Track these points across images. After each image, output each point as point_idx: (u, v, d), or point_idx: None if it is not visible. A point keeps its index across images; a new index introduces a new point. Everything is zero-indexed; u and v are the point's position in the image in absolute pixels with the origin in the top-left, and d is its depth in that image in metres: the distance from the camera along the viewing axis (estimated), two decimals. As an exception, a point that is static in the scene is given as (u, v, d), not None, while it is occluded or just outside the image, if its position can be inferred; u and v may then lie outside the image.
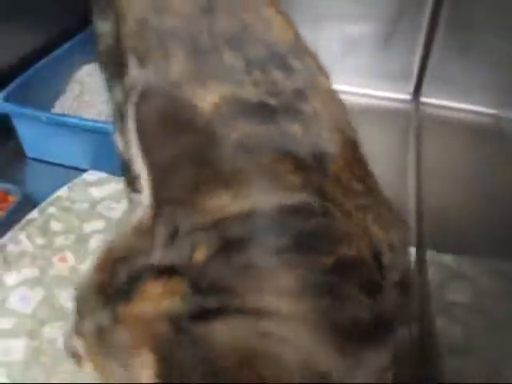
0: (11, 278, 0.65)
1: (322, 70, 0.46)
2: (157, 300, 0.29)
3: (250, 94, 0.39)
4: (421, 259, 0.67)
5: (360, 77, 0.97)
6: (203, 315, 0.28)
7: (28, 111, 0.79)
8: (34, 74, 0.86)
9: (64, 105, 0.91)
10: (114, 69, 0.53)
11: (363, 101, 0.97)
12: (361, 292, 0.30)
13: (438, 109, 0.95)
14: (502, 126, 0.88)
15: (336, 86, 1.05)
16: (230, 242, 0.30)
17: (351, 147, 0.39)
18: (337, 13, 0.94)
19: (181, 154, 0.33)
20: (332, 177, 0.35)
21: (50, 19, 0.95)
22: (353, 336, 0.30)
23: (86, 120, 0.79)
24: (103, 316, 0.31)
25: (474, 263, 0.62)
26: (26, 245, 0.68)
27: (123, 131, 0.51)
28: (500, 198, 0.66)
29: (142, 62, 0.45)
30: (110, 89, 0.57)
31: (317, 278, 0.30)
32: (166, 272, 0.30)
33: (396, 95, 0.97)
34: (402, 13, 0.91)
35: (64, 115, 0.84)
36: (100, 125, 0.76)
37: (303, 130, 0.37)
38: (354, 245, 0.32)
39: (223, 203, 0.32)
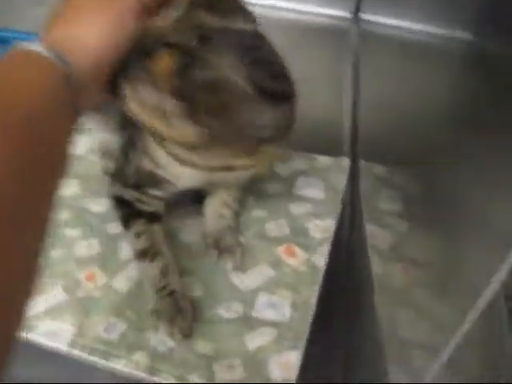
0: None
1: None
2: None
3: None
4: (354, 168, 0.68)
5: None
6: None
7: None
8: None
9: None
10: None
11: (303, 18, 0.96)
12: None
13: (378, 26, 0.95)
14: (438, 43, 0.89)
15: (276, 3, 1.02)
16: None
17: None
18: None
19: None
20: None
21: None
22: None
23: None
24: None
25: (400, 172, 0.64)
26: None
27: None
28: (427, 113, 0.67)
29: None
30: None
31: None
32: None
33: (336, 13, 0.96)
34: None
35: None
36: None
37: None
38: None
39: None
